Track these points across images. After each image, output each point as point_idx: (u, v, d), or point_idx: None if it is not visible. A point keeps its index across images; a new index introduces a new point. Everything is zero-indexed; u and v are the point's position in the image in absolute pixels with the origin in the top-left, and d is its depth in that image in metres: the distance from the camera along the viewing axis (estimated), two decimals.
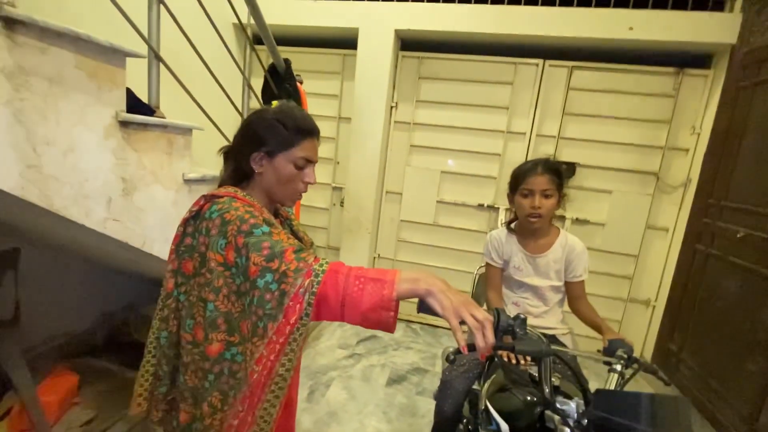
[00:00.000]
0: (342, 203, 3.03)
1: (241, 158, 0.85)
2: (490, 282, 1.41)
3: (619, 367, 0.88)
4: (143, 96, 1.33)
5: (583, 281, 1.32)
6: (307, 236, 1.01)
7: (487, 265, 1.43)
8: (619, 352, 0.92)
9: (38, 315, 1.72)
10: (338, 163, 3.11)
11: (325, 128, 3.02)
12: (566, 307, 1.38)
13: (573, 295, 1.34)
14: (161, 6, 1.24)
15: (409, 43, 2.80)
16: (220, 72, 1.60)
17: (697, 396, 2.14)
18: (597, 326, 1.23)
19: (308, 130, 0.85)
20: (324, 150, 3.09)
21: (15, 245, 1.47)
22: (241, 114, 1.90)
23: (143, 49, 1.23)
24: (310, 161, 0.86)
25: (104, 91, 1.05)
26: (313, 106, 2.37)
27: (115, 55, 1.07)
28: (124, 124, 1.12)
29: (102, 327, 2.16)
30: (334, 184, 3.14)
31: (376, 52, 2.68)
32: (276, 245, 0.70)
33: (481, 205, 2.83)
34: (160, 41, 1.25)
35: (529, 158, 2.68)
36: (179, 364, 0.83)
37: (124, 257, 1.42)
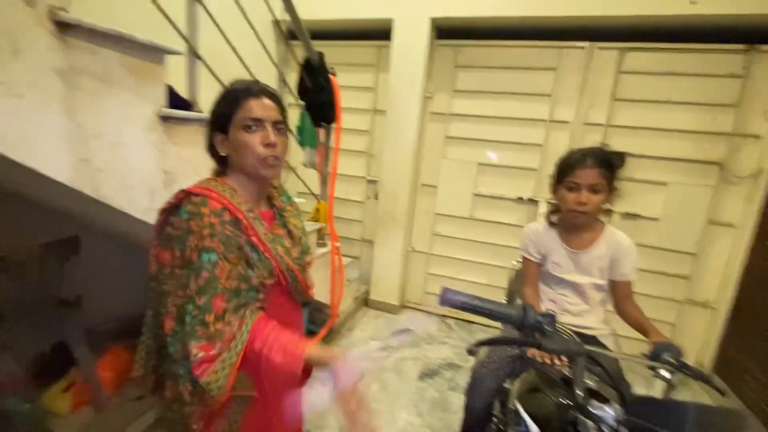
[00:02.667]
0: (376, 196, 3.03)
1: (212, 149, 0.88)
2: (526, 277, 1.35)
3: (665, 373, 0.81)
4: (183, 92, 1.39)
5: (630, 282, 1.22)
6: (297, 230, 0.96)
7: (524, 259, 1.36)
8: (666, 356, 0.84)
9: (97, 297, 1.87)
10: (373, 156, 3.11)
11: (359, 121, 3.05)
12: (610, 308, 1.29)
13: (619, 295, 1.24)
14: (199, 5, 1.28)
15: (446, 31, 2.72)
16: (255, 67, 1.65)
17: (765, 409, 1.93)
18: (643, 329, 1.13)
19: (250, 91, 0.83)
20: (358, 143, 3.10)
21: (75, 233, 1.61)
22: None
23: (183, 47, 1.29)
24: (259, 120, 0.82)
25: (146, 87, 1.12)
26: (348, 99, 2.38)
27: (155, 53, 1.13)
28: (164, 118, 1.18)
29: None
30: (368, 177, 3.15)
31: (411, 42, 2.64)
32: (209, 284, 0.73)
33: (520, 199, 2.71)
34: (198, 39, 1.30)
35: (574, 147, 2.53)
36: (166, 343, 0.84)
37: None
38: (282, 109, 0.89)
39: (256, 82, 0.89)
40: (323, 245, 2.35)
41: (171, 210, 0.81)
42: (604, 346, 1.21)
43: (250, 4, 1.65)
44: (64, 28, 0.92)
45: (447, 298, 0.70)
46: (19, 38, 0.85)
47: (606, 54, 2.42)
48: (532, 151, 2.64)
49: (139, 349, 0.91)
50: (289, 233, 0.94)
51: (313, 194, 2.39)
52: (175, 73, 1.28)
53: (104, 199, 1.05)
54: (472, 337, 2.80)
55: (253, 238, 0.82)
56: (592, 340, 1.22)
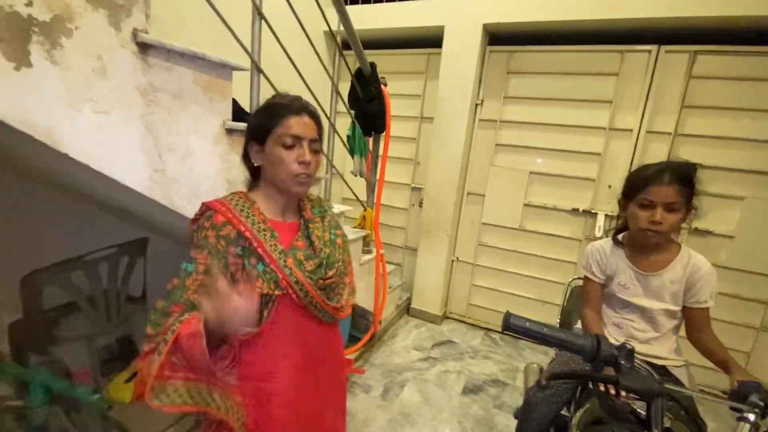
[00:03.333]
0: (421, 203, 3.01)
1: (246, 157, 0.90)
2: (587, 298, 1.26)
3: (752, 417, 0.72)
4: (245, 105, 1.46)
5: (707, 309, 1.11)
6: (318, 241, 0.92)
7: (585, 279, 1.27)
8: (753, 398, 0.75)
9: (160, 294, 2.01)
10: (418, 163, 3.09)
11: (405, 129, 3.05)
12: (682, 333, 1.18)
13: (694, 323, 1.13)
14: (262, 21, 1.34)
15: (498, 37, 2.66)
16: (310, 78, 1.69)
17: None
18: (723, 363, 1.02)
19: (292, 108, 0.84)
20: (404, 150, 3.10)
21: (145, 235, 1.73)
22: (328, 118, 1.98)
23: (243, 61, 1.35)
24: (298, 137, 0.83)
25: (215, 102, 1.18)
26: (395, 107, 2.39)
27: (224, 70, 1.18)
28: (229, 131, 1.24)
29: None
30: (413, 185, 3.13)
31: (462, 48, 2.60)
32: (175, 291, 0.77)
33: (575, 210, 2.57)
34: (260, 54, 1.36)
35: (636, 158, 2.37)
36: None
37: None
38: (319, 128, 0.90)
39: (299, 98, 0.90)
40: (368, 252, 2.37)
41: (194, 221, 0.87)
42: (675, 379, 1.10)
43: (305, 16, 1.70)
44: (145, 48, 0.99)
45: (511, 324, 0.67)
46: (107, 59, 0.92)
47: (675, 57, 2.25)
48: (590, 160, 2.50)
49: None
50: (311, 245, 0.92)
51: (359, 201, 2.42)
52: (235, 85, 1.34)
53: (175, 207, 1.11)
54: (518, 353, 2.69)
55: (259, 250, 0.82)
56: (662, 370, 1.12)
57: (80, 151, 0.89)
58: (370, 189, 2.40)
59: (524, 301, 2.84)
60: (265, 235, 0.84)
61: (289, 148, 0.83)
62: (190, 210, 1.15)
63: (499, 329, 2.94)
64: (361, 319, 2.55)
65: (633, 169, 1.18)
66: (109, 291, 1.59)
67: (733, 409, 0.78)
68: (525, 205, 2.71)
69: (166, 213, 1.18)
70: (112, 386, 1.79)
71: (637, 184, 1.10)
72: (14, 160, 1.31)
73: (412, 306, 3.10)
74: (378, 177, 2.35)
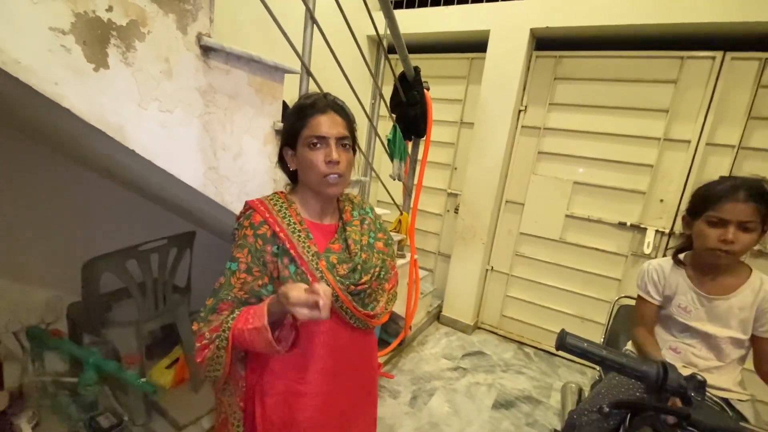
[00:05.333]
0: (456, 210, 2.96)
1: (282, 161, 0.91)
2: (641, 319, 1.18)
3: None
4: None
5: None
6: (354, 245, 0.90)
7: (639, 299, 1.19)
8: None
9: (203, 286, 2.09)
10: (456, 168, 3.05)
11: (445, 133, 3.02)
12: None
13: (764, 355, 1.04)
14: (314, 25, 1.36)
15: (546, 42, 2.58)
16: (353, 81, 1.71)
17: None
18: None
19: (317, 107, 0.83)
20: (441, 155, 3.06)
21: (193, 229, 1.80)
22: (370, 120, 1.99)
23: (292, 63, 1.38)
24: (323, 137, 0.81)
25: (266, 104, 1.21)
26: (435, 112, 2.36)
27: (277, 73, 1.22)
28: (278, 131, 1.27)
29: None
30: (449, 190, 3.09)
31: (507, 53, 2.54)
32: (222, 289, 0.81)
33: (622, 224, 2.44)
34: (311, 57, 1.38)
35: (694, 171, 2.22)
36: None
37: None
38: (349, 123, 0.87)
39: (325, 95, 0.88)
40: (402, 256, 2.36)
41: (238, 218, 0.89)
42: (739, 414, 1.01)
43: (351, 19, 1.72)
44: (207, 51, 1.03)
45: (567, 343, 0.63)
46: (173, 61, 0.97)
47: (742, 65, 2.09)
48: (641, 172, 2.37)
49: None
50: (347, 248, 0.90)
51: (396, 205, 2.41)
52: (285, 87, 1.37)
53: (225, 204, 1.15)
54: (553, 370, 2.58)
55: (292, 251, 0.82)
56: (724, 403, 1.03)
57: (144, 147, 0.94)
58: (407, 193, 2.39)
59: (562, 317, 2.72)
60: (299, 236, 0.83)
61: (316, 148, 0.81)
62: (238, 207, 1.19)
63: (534, 344, 2.84)
64: (391, 323, 2.54)
65: (698, 183, 1.09)
66: (158, 280, 1.67)
67: None
68: (567, 216, 2.61)
69: (215, 209, 1.23)
70: (154, 371, 1.88)
71: (707, 200, 1.02)
72: (84, 156, 1.41)
73: (443, 313, 3.06)
74: (416, 181, 2.34)
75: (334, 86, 1.60)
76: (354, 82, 1.65)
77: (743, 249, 0.98)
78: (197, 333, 0.81)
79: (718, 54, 2.13)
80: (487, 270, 2.95)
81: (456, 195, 3.03)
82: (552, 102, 2.59)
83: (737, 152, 2.13)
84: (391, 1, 1.74)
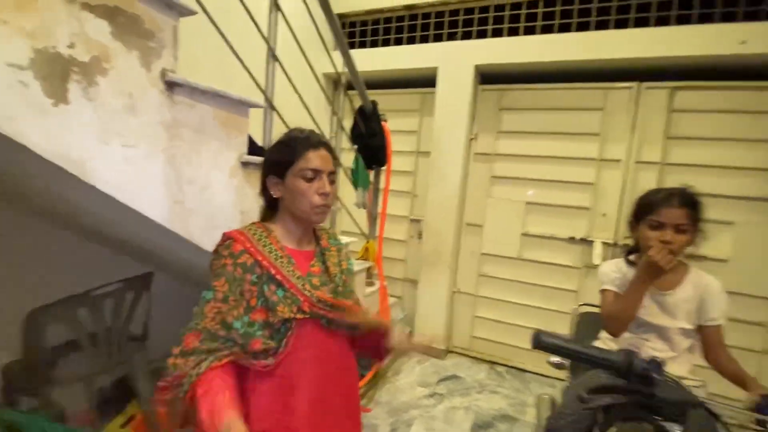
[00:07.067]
0: (420, 235, 3.04)
1: (264, 189, 0.93)
2: (608, 306, 1.24)
3: None
4: (257, 139, 1.51)
5: (720, 326, 1.14)
6: (334, 268, 0.96)
7: (604, 292, 1.26)
8: None
9: (161, 332, 1.95)
10: (416, 196, 3.16)
11: (403, 163, 3.14)
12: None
13: (709, 342, 1.15)
14: (276, 62, 1.42)
15: (489, 77, 2.82)
16: (315, 115, 1.77)
17: None
18: (741, 380, 1.03)
19: (312, 143, 0.88)
20: (402, 183, 3.17)
21: (150, 269, 1.71)
22: (333, 152, 2.04)
23: (255, 98, 1.42)
24: (318, 171, 0.87)
25: (232, 137, 1.22)
26: (393, 143, 2.48)
27: (242, 107, 1.24)
28: (244, 164, 1.28)
29: None
30: (412, 217, 3.18)
31: (455, 87, 2.75)
32: (194, 318, 0.82)
33: (572, 238, 2.63)
34: (274, 92, 1.43)
35: (628, 186, 2.46)
36: None
37: None
38: (335, 159, 0.95)
39: (315, 133, 0.94)
40: (371, 284, 2.36)
41: (215, 250, 0.89)
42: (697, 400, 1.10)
43: (310, 58, 1.81)
44: (172, 86, 1.04)
45: (540, 341, 0.68)
46: (136, 96, 0.97)
47: (655, 93, 2.41)
48: (583, 190, 2.59)
49: None
50: (327, 271, 0.95)
51: (362, 233, 2.44)
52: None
53: (191, 238, 1.12)
54: (525, 386, 2.63)
55: (278, 276, 0.84)
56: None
57: (106, 182, 0.92)
58: (372, 221, 2.43)
59: (528, 332, 2.81)
60: (282, 261, 0.86)
61: (310, 180, 0.87)
62: (206, 240, 1.17)
63: (505, 362, 2.88)
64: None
65: (632, 197, 1.24)
66: (112, 328, 1.54)
67: (758, 424, 0.79)
68: (523, 234, 2.76)
69: (180, 245, 1.19)
70: (108, 430, 1.69)
71: (647, 207, 1.17)
72: (27, 195, 1.32)
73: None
74: (379, 209, 2.39)
75: (296, 121, 1.65)
76: (317, 114, 1.71)
77: (680, 248, 1.12)
78: (173, 368, 0.78)
79: (635, 84, 2.44)
80: (454, 292, 3.00)
81: (419, 221, 3.11)
82: (500, 130, 2.81)
83: (661, 168, 2.40)
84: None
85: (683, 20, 2.27)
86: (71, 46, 0.82)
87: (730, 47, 2.13)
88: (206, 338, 0.80)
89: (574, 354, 0.66)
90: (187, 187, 1.10)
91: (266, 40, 1.36)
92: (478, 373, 2.78)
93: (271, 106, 1.40)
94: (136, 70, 0.96)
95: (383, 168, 2.32)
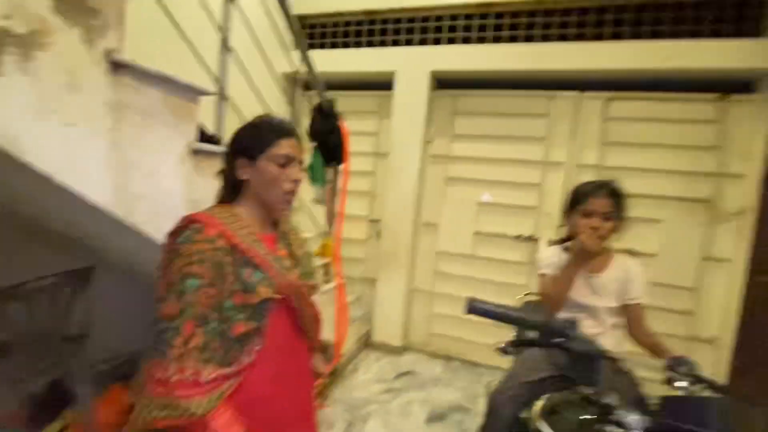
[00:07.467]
0: (378, 235, 3.09)
1: (230, 170, 0.91)
2: (546, 288, 1.35)
3: (680, 384, 0.83)
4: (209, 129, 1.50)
5: (641, 304, 1.28)
6: (299, 251, 1.00)
7: (542, 276, 1.37)
8: (682, 369, 0.87)
9: (103, 333, 1.84)
10: (375, 196, 3.21)
11: (362, 163, 3.19)
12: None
13: (632, 318, 1.29)
14: (229, 53, 1.42)
15: (444, 82, 2.95)
16: (273, 110, 1.78)
17: None
18: (659, 349, 1.17)
19: (285, 130, 0.91)
20: (361, 184, 3.21)
21: (91, 263, 1.62)
22: None
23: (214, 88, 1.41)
24: (292, 158, 0.89)
25: (182, 124, 1.21)
26: (352, 143, 2.52)
27: (192, 93, 1.23)
28: (195, 152, 1.26)
29: None
30: (371, 217, 3.22)
31: (412, 92, 2.85)
32: (188, 308, 0.77)
33: (520, 236, 2.79)
34: (228, 83, 1.43)
35: (570, 187, 2.65)
36: None
37: None
38: (303, 150, 0.97)
39: (287, 120, 0.97)
40: (328, 281, 2.37)
41: (175, 234, 0.85)
42: (622, 369, 1.22)
43: (269, 54, 1.83)
44: (117, 67, 1.02)
45: (473, 307, 0.74)
46: (78, 75, 0.94)
47: (593, 102, 2.63)
48: (530, 191, 2.76)
49: (137, 376, 0.91)
50: (291, 254, 0.98)
51: (320, 231, 2.45)
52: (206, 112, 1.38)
53: (136, 225, 1.09)
54: (478, 379, 2.73)
55: (255, 259, 0.85)
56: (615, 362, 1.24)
57: (42, 161, 0.88)
58: (330, 219, 2.45)
59: (482, 326, 2.92)
60: (259, 245, 0.88)
61: (283, 166, 0.88)
62: (152, 229, 1.14)
63: (460, 356, 2.98)
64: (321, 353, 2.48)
65: (574, 186, 1.36)
66: (47, 327, 1.45)
67: (667, 381, 0.90)
68: (475, 233, 2.89)
69: (122, 233, 1.15)
70: None
71: (578, 197, 1.30)
72: None
73: (372, 338, 3.07)
74: (338, 207, 2.42)
75: (253, 114, 1.65)
76: (274, 110, 1.71)
77: (607, 234, 1.24)
78: (175, 361, 0.76)
79: (576, 94, 2.66)
80: (411, 290, 3.08)
81: (377, 221, 3.16)
82: (454, 134, 2.94)
83: (599, 170, 2.62)
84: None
85: (617, 36, 2.52)
86: (7, 17, 0.79)
87: (657, 62, 2.38)
88: (200, 324, 0.78)
89: (503, 317, 0.73)
90: (133, 172, 1.07)
91: (220, 29, 1.36)
92: (434, 368, 2.85)
93: (223, 95, 1.39)
94: (77, 48, 0.93)
95: (341, 167, 2.36)
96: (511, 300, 2.77)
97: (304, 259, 1.00)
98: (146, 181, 1.12)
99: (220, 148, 1.37)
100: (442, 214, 2.97)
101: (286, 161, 0.88)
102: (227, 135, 1.51)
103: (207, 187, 1.33)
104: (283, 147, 0.88)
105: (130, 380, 2.00)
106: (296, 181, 0.90)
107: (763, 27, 2.28)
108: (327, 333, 2.33)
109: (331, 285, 2.34)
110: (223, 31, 1.37)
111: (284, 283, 0.88)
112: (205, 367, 0.77)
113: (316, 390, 1.16)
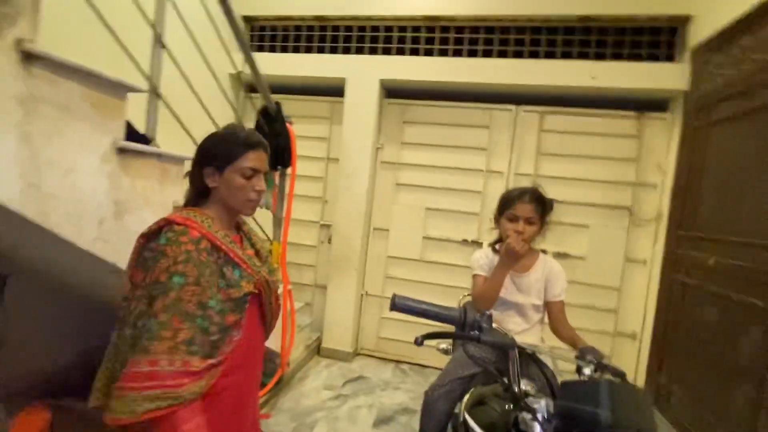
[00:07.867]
0: (329, 240, 3.08)
1: (198, 177, 0.97)
2: (478, 287, 1.42)
3: (587, 370, 0.92)
4: (143, 129, 1.43)
5: (561, 301, 1.38)
6: (264, 250, 1.09)
7: (475, 277, 1.45)
8: (589, 357, 0.95)
9: (19, 347, 1.68)
10: (326, 201, 3.21)
11: (314, 168, 3.18)
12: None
13: (554, 315, 1.39)
14: (163, 49, 1.38)
15: (393, 91, 3.03)
16: (214, 112, 1.74)
17: (688, 428, 2.09)
18: (574, 342, 1.26)
19: (252, 143, 0.96)
20: (312, 189, 3.20)
21: (4, 272, 1.48)
22: None
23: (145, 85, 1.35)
24: (257, 170, 0.96)
25: (106, 120, 1.15)
26: (303, 148, 2.51)
27: (118, 89, 1.18)
28: (121, 151, 1.20)
29: (80, 366, 2.08)
30: (322, 222, 3.21)
31: (362, 99, 2.90)
32: (175, 304, 0.81)
33: (465, 241, 2.90)
34: (160, 80, 1.38)
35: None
36: None
37: (111, 285, 1.44)
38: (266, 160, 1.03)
39: (255, 133, 1.01)
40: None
41: (151, 236, 0.89)
42: (542, 362, 1.30)
43: (213, 54, 1.78)
44: (30, 58, 0.95)
45: (396, 303, 0.77)
46: None
47: (529, 115, 2.82)
48: (474, 197, 2.89)
49: (99, 377, 0.89)
50: (257, 253, 1.06)
51: (266, 236, 2.40)
52: (138, 110, 1.33)
53: (50, 226, 1.02)
54: (426, 380, 2.78)
55: (235, 258, 0.93)
56: (531, 356, 1.32)
57: None
58: (277, 223, 2.41)
59: (430, 329, 2.99)
60: (234, 245, 0.95)
61: (248, 178, 0.95)
62: (68, 229, 1.07)
63: (409, 360, 3.03)
64: (267, 362, 2.41)
65: (503, 193, 1.46)
66: None
67: (577, 370, 0.98)
68: (424, 238, 2.97)
69: (36, 236, 1.07)
70: None
71: (506, 203, 1.39)
72: None
73: (323, 345, 3.04)
74: (284, 212, 2.38)
75: (191, 115, 1.60)
76: (216, 112, 1.67)
77: (530, 237, 1.34)
78: (166, 354, 0.79)
79: (513, 107, 2.83)
80: (362, 295, 3.09)
81: (328, 226, 3.16)
82: (403, 141, 3.02)
83: (535, 179, 2.80)
84: (252, 45, 1.86)
85: (551, 55, 2.72)
86: None
87: (584, 80, 2.61)
88: (185, 320, 0.82)
89: (423, 312, 0.76)
90: (46, 169, 1.00)
91: (152, 26, 1.31)
92: (383, 372, 2.87)
93: (155, 92, 1.34)
94: None
95: (288, 172, 2.33)
96: (455, 302, 2.89)
97: (268, 258, 1.09)
98: (62, 180, 1.05)
99: (150, 148, 1.31)
100: (393, 219, 3.03)
101: (252, 173, 0.95)
102: (160, 136, 1.47)
103: (135, 187, 1.27)
104: (250, 160, 0.94)
105: (51, 398, 1.85)
106: (260, 191, 0.98)
107: (677, 53, 2.58)
108: (273, 342, 2.28)
109: (278, 291, 2.29)
110: (157, 26, 1.33)
111: (259, 279, 0.96)
112: (192, 359, 0.81)
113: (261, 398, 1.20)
